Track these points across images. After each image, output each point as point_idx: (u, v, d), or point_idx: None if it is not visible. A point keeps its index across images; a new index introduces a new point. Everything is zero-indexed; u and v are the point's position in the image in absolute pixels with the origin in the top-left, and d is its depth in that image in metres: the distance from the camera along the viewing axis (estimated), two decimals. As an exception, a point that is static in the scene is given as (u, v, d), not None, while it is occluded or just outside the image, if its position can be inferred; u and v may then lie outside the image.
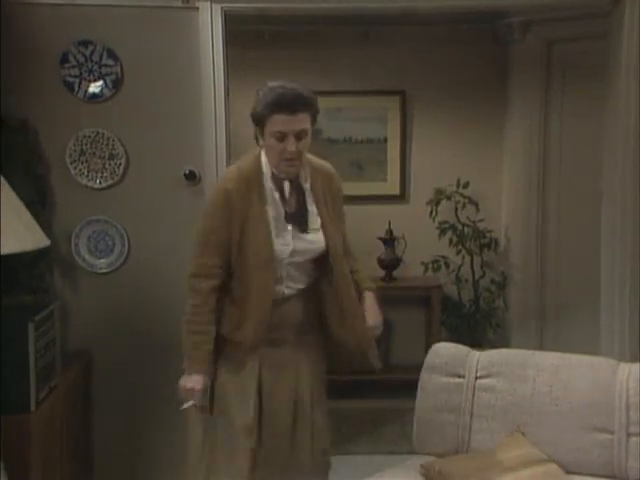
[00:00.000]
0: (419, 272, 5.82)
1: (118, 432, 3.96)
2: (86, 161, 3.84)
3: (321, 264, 2.86)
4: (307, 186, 2.83)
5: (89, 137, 3.83)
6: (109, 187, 3.87)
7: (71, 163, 3.83)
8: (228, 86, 3.99)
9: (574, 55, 5.44)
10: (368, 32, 5.82)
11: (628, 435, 2.82)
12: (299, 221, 2.79)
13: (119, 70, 3.83)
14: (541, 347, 5.38)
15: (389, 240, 5.78)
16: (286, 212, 2.78)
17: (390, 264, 5.78)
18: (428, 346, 5.87)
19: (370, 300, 2.99)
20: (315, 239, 2.83)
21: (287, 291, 2.84)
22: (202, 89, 3.89)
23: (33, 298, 3.62)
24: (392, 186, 5.98)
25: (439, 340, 5.61)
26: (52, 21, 3.77)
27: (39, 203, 3.69)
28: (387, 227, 5.79)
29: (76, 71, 3.81)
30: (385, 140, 5.95)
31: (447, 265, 5.74)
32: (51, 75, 3.79)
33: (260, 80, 5.77)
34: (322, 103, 5.76)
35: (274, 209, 2.79)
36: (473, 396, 3.03)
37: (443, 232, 5.70)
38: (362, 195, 5.87)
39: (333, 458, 4.45)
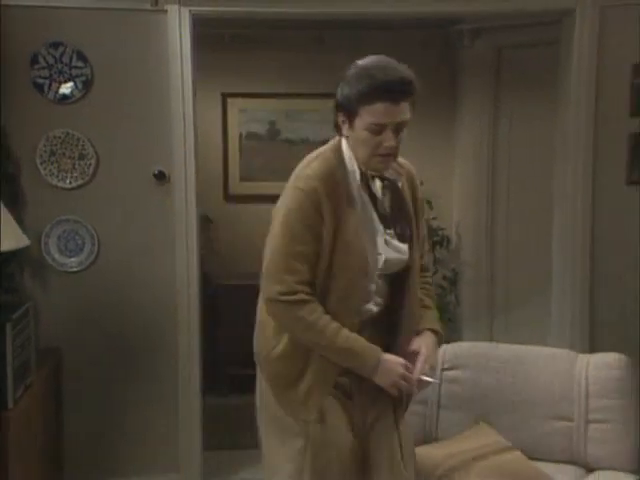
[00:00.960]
0: (376, 269, 5.86)
1: (88, 431, 3.93)
2: (56, 161, 3.79)
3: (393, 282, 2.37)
4: (400, 183, 2.34)
5: (59, 138, 3.78)
6: (79, 187, 3.83)
7: (41, 163, 3.78)
8: (196, 87, 3.98)
9: (522, 61, 5.54)
10: (324, 36, 5.85)
11: (587, 422, 2.89)
12: (397, 225, 2.32)
13: (89, 72, 3.79)
14: (491, 341, 5.48)
15: (346, 238, 5.80)
16: (380, 214, 2.30)
17: (347, 261, 5.80)
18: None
19: (429, 342, 2.38)
20: (404, 249, 2.33)
21: (375, 309, 2.34)
22: (170, 90, 3.87)
23: (4, 298, 3.56)
24: (348, 185, 6.01)
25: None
26: (22, 23, 3.71)
27: (9, 203, 3.63)
28: (343, 225, 5.82)
29: (46, 72, 3.76)
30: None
31: (402, 262, 5.78)
32: (21, 76, 3.74)
33: (221, 82, 5.82)
34: (281, 105, 5.96)
35: (364, 212, 2.28)
36: (440, 388, 3.06)
37: (398, 230, 5.74)
38: (319, 194, 5.91)
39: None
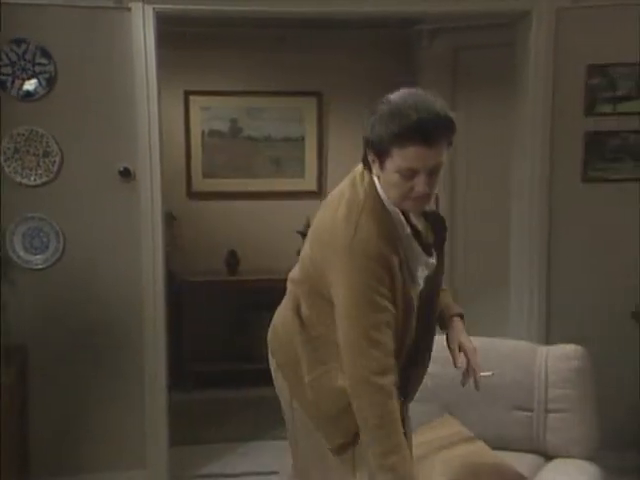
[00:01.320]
0: (336, 265, 5.89)
1: (54, 428, 3.89)
2: (20, 159, 3.74)
3: None
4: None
5: (23, 135, 3.73)
6: (44, 184, 3.78)
7: (5, 161, 3.73)
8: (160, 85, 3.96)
9: (479, 61, 5.61)
10: (285, 35, 5.85)
11: (546, 412, 2.94)
12: (438, 252, 2.17)
13: (53, 69, 3.74)
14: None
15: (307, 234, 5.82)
16: (422, 245, 2.11)
17: (309, 257, 5.82)
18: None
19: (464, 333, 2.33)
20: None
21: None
22: (135, 88, 3.85)
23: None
24: (309, 182, 6.04)
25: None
26: (-16, 19, 3.66)
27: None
28: (305, 221, 5.84)
29: (9, 69, 3.71)
30: (303, 138, 6.00)
31: (362, 257, 5.82)
32: (-16, 73, 3.69)
33: (183, 80, 5.78)
34: (243, 102, 5.96)
35: (411, 251, 2.09)
36: (406, 381, 3.10)
37: (358, 226, 5.78)
38: (281, 191, 5.96)
39: (257, 445, 4.54)
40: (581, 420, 2.88)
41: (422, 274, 2.11)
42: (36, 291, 3.81)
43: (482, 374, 2.22)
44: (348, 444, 2.13)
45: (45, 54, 3.73)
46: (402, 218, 2.05)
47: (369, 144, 2.00)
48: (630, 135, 4.07)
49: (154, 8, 3.86)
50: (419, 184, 1.93)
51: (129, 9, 3.81)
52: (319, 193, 6.05)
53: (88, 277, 3.83)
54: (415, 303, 2.09)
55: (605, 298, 4.11)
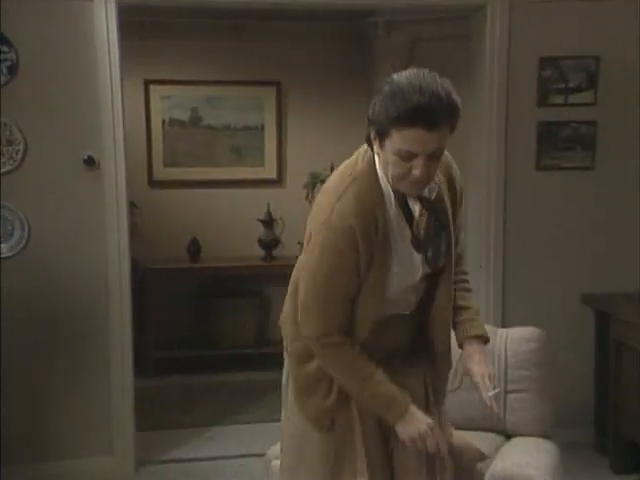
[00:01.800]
0: (297, 251, 5.90)
1: (21, 416, 3.85)
2: (-17, 147, 3.67)
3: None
4: (434, 194, 2.05)
5: (-15, 123, 3.67)
6: (7, 173, 3.72)
7: (-32, 149, 3.66)
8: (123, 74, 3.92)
9: (436, 53, 5.64)
10: (244, 25, 5.83)
11: (506, 392, 2.98)
12: (428, 249, 2.07)
13: (14, 56, 3.68)
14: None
15: (268, 222, 5.83)
16: (413, 236, 2.04)
17: (269, 244, 5.84)
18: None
19: (478, 356, 2.19)
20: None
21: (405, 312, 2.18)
22: (98, 77, 3.81)
23: None
24: (269, 171, 6.04)
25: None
26: (-56, 7, 3.58)
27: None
28: (266, 209, 5.84)
29: (-31, 57, 3.64)
30: (262, 127, 5.99)
31: (322, 244, 5.85)
32: (-56, 61, 3.61)
33: (143, 69, 5.71)
34: (203, 92, 5.91)
35: (401, 237, 2.04)
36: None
37: (318, 214, 5.80)
38: (242, 179, 5.94)
39: (221, 429, 4.55)
40: (539, 400, 2.94)
41: (407, 263, 2.06)
42: (1, 279, 3.74)
43: (491, 394, 2.16)
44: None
45: (6, 42, 3.66)
46: (392, 200, 2.00)
47: (370, 123, 1.93)
48: (581, 125, 4.16)
49: (116, -1, 3.82)
50: (417, 167, 1.87)
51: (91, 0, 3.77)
52: (279, 181, 6.06)
53: (54, 265, 3.79)
54: (387, 287, 2.04)
55: (557, 282, 4.20)
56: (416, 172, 1.88)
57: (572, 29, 4.11)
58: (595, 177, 4.17)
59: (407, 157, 1.87)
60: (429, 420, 2.07)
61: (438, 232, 2.06)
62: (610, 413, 3.97)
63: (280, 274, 6.01)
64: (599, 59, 4.13)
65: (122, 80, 3.87)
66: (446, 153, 2.04)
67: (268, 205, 5.84)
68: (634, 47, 4.06)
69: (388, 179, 1.98)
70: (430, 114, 1.81)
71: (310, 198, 5.78)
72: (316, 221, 2.03)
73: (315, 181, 5.77)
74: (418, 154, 1.86)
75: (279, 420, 4.72)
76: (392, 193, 2.00)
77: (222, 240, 5.84)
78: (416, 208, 2.03)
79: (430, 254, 2.05)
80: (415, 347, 2.21)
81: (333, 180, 2.07)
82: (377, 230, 1.98)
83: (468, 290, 2.27)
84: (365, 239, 1.97)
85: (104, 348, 3.90)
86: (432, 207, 2.03)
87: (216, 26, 5.71)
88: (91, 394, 3.92)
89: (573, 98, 4.16)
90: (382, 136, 1.90)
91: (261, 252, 5.84)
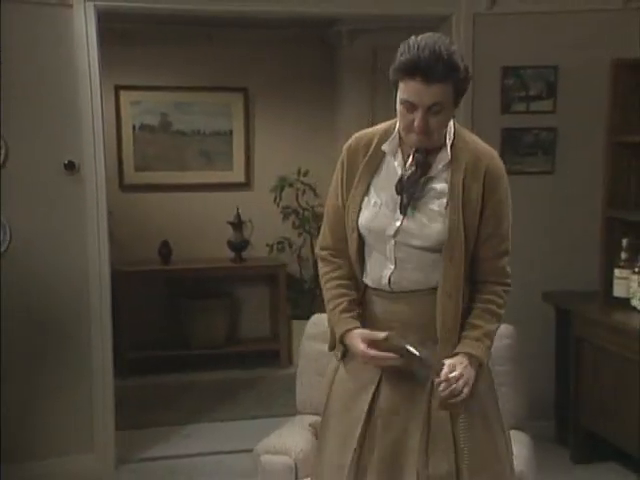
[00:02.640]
0: (265, 253, 5.93)
1: (4, 415, 3.75)
2: (-36, 152, 3.61)
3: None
4: (439, 167, 2.09)
5: (-34, 128, 3.60)
6: (-12, 177, 3.66)
7: (-52, 154, 3.59)
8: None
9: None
10: (212, 33, 5.82)
11: None
12: (409, 193, 2.07)
13: (-6, 61, 3.62)
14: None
15: (237, 224, 5.83)
16: (399, 180, 2.09)
17: (239, 246, 5.83)
18: (272, 321, 6.06)
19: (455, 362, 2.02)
20: (431, 224, 2.08)
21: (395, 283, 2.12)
22: (78, 82, 3.78)
23: None
24: (238, 174, 6.03)
25: (285, 314, 5.80)
26: None
27: None
28: (235, 212, 5.84)
29: (-51, 62, 3.56)
30: (231, 132, 5.99)
31: (290, 246, 5.89)
32: None
33: (113, 75, 5.64)
34: (172, 97, 5.89)
35: (390, 172, 2.12)
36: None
37: (286, 216, 5.85)
38: (211, 183, 5.95)
39: (197, 427, 4.54)
40: (514, 393, 2.99)
41: (387, 198, 2.10)
42: (-17, 282, 3.69)
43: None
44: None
45: (-13, 48, 3.60)
46: (395, 138, 2.11)
47: (390, 76, 2.07)
48: (542, 132, 4.26)
49: (95, 5, 3.79)
50: (417, 119, 1.99)
51: (71, 6, 3.73)
52: (247, 185, 6.07)
53: (35, 268, 3.73)
54: (389, 230, 2.08)
55: (519, 281, 4.23)
56: (416, 123, 1.99)
57: (532, 40, 4.19)
58: (555, 181, 4.27)
59: (410, 108, 2.00)
60: (362, 345, 2.05)
61: (421, 187, 2.08)
62: (570, 406, 4.06)
63: (249, 275, 6.11)
64: (557, 69, 4.23)
65: (102, 85, 3.84)
66: (489, 152, 2.20)
67: (237, 208, 5.84)
68: (590, 57, 4.16)
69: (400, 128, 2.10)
70: (428, 68, 1.94)
71: (278, 201, 5.81)
72: None
73: (283, 184, 5.81)
74: (418, 106, 1.98)
75: (254, 417, 4.79)
76: (397, 135, 2.11)
77: (193, 242, 5.82)
78: (410, 159, 2.10)
79: (405, 200, 2.08)
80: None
81: None
82: (366, 153, 2.15)
83: (490, 312, 2.16)
84: (350, 158, 2.17)
85: (86, 349, 3.86)
86: (421, 160, 2.08)
87: (185, 34, 5.69)
88: (73, 394, 3.87)
89: (534, 106, 4.26)
90: (394, 86, 2.04)
91: (230, 254, 5.84)
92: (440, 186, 2.09)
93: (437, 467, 2.06)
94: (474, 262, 2.13)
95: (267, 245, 5.89)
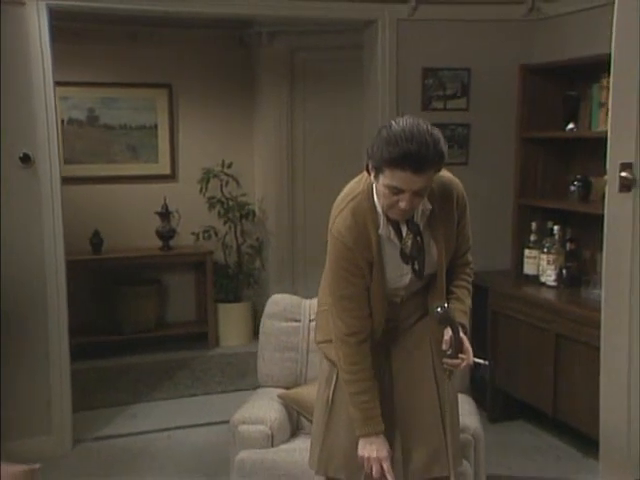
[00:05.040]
0: (192, 241, 5.93)
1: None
2: None
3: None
4: (421, 222, 2.22)
5: None
6: (-56, 170, 3.52)
7: None
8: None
9: (314, 61, 5.87)
10: (137, 32, 5.74)
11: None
12: (415, 262, 2.23)
13: (-51, 57, 3.48)
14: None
15: (165, 214, 5.79)
16: (402, 251, 2.22)
17: (166, 235, 5.80)
18: (198, 305, 6.07)
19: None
20: (431, 266, 2.28)
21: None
22: (32, 78, 3.70)
23: None
24: (163, 167, 5.99)
25: (211, 298, 5.81)
26: None
27: None
28: (162, 202, 5.80)
29: None
30: (156, 127, 5.93)
31: (216, 234, 5.91)
32: None
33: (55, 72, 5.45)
34: (100, 93, 5.79)
35: (391, 248, 2.23)
36: (308, 335, 3.23)
37: (212, 206, 5.86)
38: (138, 175, 5.88)
39: (142, 406, 4.53)
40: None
41: (398, 271, 2.24)
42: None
43: (477, 360, 2.39)
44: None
45: (-60, 42, 3.46)
46: (383, 220, 2.18)
47: (369, 157, 2.10)
48: (457, 127, 4.51)
49: (47, 4, 3.72)
50: (403, 201, 2.05)
51: (23, 4, 3.64)
52: (172, 176, 6.03)
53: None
54: (384, 291, 2.24)
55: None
56: (402, 204, 2.06)
57: (449, 44, 4.43)
58: (469, 171, 4.49)
59: (395, 192, 2.04)
60: (386, 454, 2.23)
61: (421, 250, 2.22)
62: (487, 370, 4.33)
63: (176, 262, 6.09)
64: (470, 71, 4.49)
65: (54, 80, 3.76)
66: (454, 181, 2.29)
67: (164, 198, 5.81)
68: (498, 61, 4.45)
69: (380, 205, 2.15)
70: (418, 161, 1.98)
71: (204, 192, 5.82)
72: (328, 229, 2.26)
73: (208, 176, 5.82)
74: (405, 191, 2.03)
75: (193, 395, 4.81)
76: (383, 215, 2.17)
77: (122, 232, 5.74)
78: (404, 229, 2.21)
79: (417, 267, 2.23)
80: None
81: (340, 196, 2.27)
82: (371, 241, 2.18)
83: (468, 289, 2.41)
84: (359, 247, 2.17)
85: (43, 335, 3.78)
86: (416, 230, 2.20)
87: (111, 32, 5.59)
88: (31, 377, 3.79)
89: (450, 104, 4.51)
90: (377, 171, 2.07)
91: (158, 242, 5.80)
92: (427, 234, 2.23)
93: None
94: (450, 260, 2.34)
95: (193, 234, 5.89)
